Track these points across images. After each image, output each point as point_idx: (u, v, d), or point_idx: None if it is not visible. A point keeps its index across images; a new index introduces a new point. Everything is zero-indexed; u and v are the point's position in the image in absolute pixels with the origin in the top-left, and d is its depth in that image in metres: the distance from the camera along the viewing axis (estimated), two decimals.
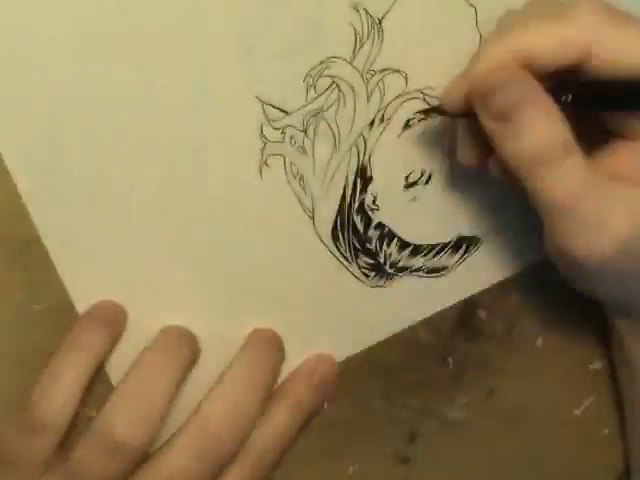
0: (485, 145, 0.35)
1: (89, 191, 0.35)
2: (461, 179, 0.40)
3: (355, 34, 0.36)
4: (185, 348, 0.37)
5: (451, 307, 0.42)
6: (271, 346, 0.39)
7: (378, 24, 0.37)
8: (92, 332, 0.36)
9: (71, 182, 0.34)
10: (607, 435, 0.45)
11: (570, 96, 0.33)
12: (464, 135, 0.36)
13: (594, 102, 0.34)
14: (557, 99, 0.33)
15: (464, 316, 0.42)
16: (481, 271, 0.42)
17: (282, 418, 0.39)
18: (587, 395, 0.44)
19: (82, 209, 0.35)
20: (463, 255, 0.42)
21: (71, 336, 0.35)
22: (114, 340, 0.37)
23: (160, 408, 0.36)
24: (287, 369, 0.40)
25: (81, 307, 0.36)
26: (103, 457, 0.35)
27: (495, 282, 0.42)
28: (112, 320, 0.36)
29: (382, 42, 0.37)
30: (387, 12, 0.37)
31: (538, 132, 0.32)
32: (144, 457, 0.36)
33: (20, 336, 0.36)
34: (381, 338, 0.41)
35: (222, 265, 0.38)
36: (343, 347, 0.41)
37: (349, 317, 0.41)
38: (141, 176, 0.35)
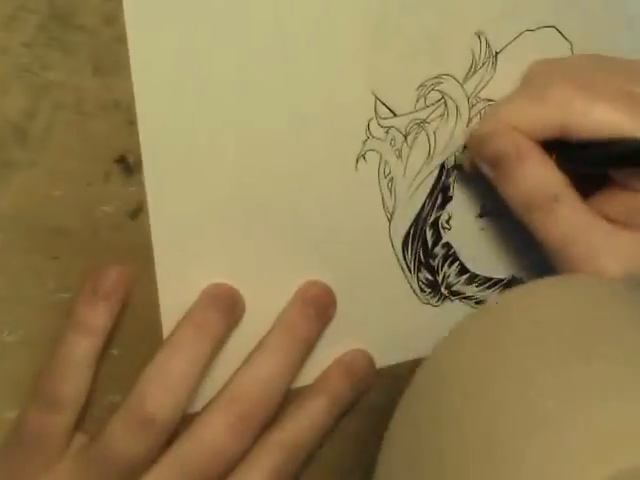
0: None
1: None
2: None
3: (472, 59, 0.39)
4: (224, 315, 0.37)
5: None
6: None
7: (494, 56, 0.39)
8: (94, 310, 0.35)
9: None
10: None
11: (554, 155, 0.36)
12: None
13: (574, 162, 0.36)
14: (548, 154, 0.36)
15: None
16: None
17: (319, 412, 0.39)
18: None
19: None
20: None
21: (75, 315, 0.35)
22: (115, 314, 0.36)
23: (191, 381, 0.35)
24: (325, 360, 0.41)
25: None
26: (134, 430, 0.34)
27: None
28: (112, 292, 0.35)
29: (494, 74, 0.39)
30: (505, 47, 0.39)
31: (530, 180, 0.35)
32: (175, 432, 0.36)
33: (50, 324, 0.35)
34: (417, 356, 0.42)
35: (292, 239, 0.39)
36: (380, 353, 0.42)
37: (393, 326, 0.42)
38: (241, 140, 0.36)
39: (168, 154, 0.35)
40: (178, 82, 0.34)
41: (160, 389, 0.35)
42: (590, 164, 0.36)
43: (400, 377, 0.42)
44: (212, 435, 0.36)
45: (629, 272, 0.34)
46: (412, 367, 0.40)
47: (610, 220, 0.36)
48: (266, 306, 0.39)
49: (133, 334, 0.37)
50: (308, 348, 0.39)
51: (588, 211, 0.35)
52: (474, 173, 0.38)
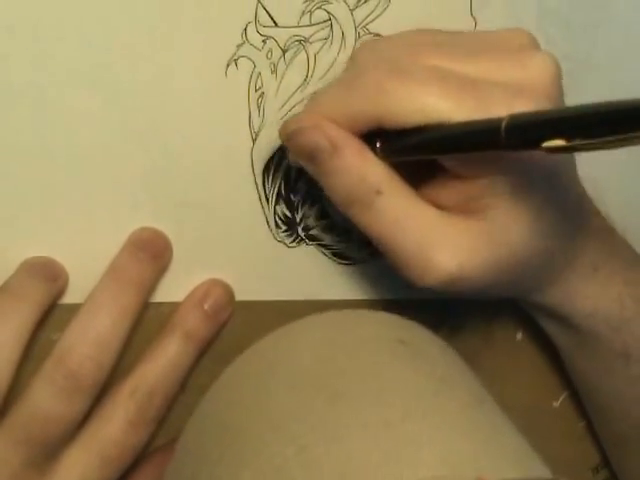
0: None
1: None
2: None
3: None
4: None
5: (432, 300, 0.40)
6: (145, 254, 0.36)
7: None
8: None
9: None
10: (584, 427, 0.45)
11: (378, 143, 0.34)
12: None
13: (398, 151, 0.34)
14: (371, 145, 0.34)
15: (445, 310, 0.42)
16: (385, 278, 0.41)
17: (172, 351, 0.36)
18: (565, 388, 0.44)
19: None
20: (371, 254, 0.41)
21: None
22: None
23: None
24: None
25: None
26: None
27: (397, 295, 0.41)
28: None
29: (387, 7, 0.37)
30: None
31: (348, 174, 0.33)
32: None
33: None
34: (268, 298, 0.39)
35: (147, 141, 0.35)
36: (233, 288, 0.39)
37: (244, 260, 0.38)
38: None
39: None
40: None
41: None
42: (411, 153, 0.34)
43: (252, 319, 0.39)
44: (41, 401, 0.33)
45: (460, 263, 0.33)
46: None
47: (444, 208, 0.34)
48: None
49: None
50: (142, 292, 0.36)
51: (415, 201, 0.34)
52: (299, 167, 0.36)
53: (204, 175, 0.37)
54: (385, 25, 0.37)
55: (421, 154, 0.33)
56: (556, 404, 0.45)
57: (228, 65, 0.36)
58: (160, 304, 0.37)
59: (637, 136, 0.24)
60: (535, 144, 0.27)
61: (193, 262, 0.37)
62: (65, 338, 0.34)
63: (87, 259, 0.35)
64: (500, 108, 0.31)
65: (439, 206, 0.34)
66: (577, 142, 0.26)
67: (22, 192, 0.34)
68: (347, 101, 0.33)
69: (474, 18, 0.39)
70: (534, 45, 0.35)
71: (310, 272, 0.40)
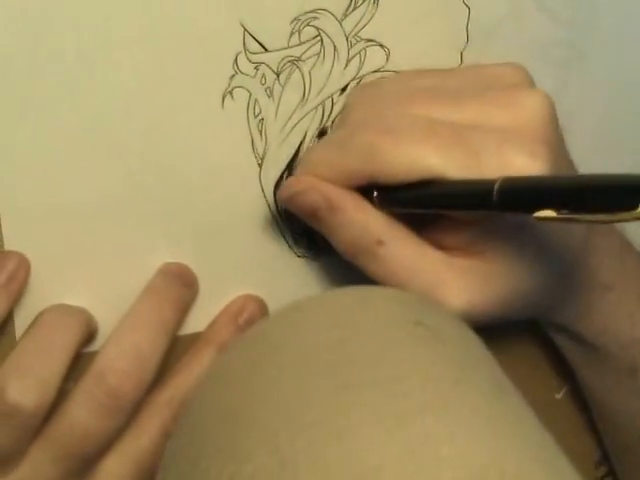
0: None
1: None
2: None
3: None
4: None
5: None
6: (177, 280, 0.37)
7: None
8: None
9: None
10: (586, 420, 0.45)
11: (375, 193, 0.34)
12: None
13: (394, 203, 0.34)
14: (369, 197, 0.34)
15: None
16: None
17: (206, 363, 0.37)
18: (568, 380, 0.45)
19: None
20: None
21: None
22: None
23: (57, 368, 0.33)
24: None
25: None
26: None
27: None
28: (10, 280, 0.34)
29: (375, 12, 0.37)
30: None
31: (348, 229, 0.34)
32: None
33: None
34: None
35: (155, 185, 0.36)
36: None
37: (269, 280, 0.39)
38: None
39: None
40: None
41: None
42: (407, 206, 0.34)
43: None
44: (80, 416, 0.34)
45: (470, 301, 0.33)
46: None
47: (448, 249, 0.34)
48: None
49: None
50: (179, 310, 0.36)
51: (419, 247, 0.34)
52: None
53: (217, 206, 0.37)
54: (376, 30, 0.37)
55: (416, 208, 0.34)
56: (558, 396, 0.45)
57: (224, 98, 0.36)
58: (192, 335, 0.38)
59: (632, 217, 0.24)
60: (526, 211, 0.27)
61: (218, 291, 0.38)
62: (104, 353, 0.34)
63: (110, 304, 0.36)
64: (491, 158, 0.31)
65: (441, 247, 0.34)
66: (569, 215, 0.26)
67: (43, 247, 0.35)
68: (340, 161, 0.34)
69: (467, 5, 0.38)
70: (527, 82, 0.34)
71: (335, 279, 0.40)
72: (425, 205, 0.33)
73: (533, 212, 0.27)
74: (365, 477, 0.24)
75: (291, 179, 0.36)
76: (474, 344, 0.31)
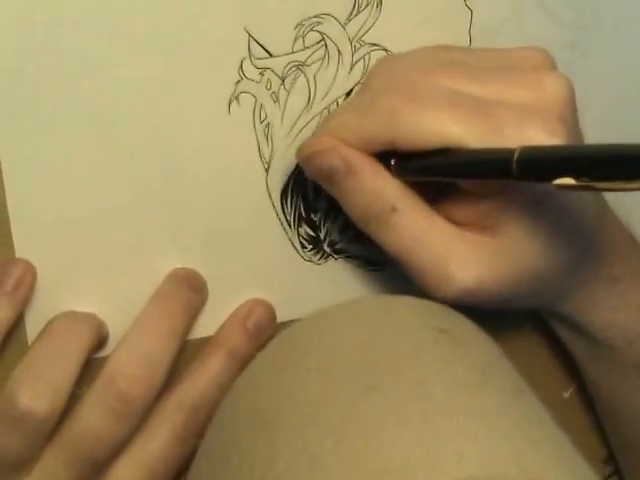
0: None
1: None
2: None
3: None
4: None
5: None
6: (186, 285, 0.37)
7: None
8: None
9: None
10: (593, 419, 0.45)
11: (393, 161, 0.34)
12: None
13: (412, 171, 0.35)
14: (386, 163, 0.34)
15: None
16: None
17: (216, 367, 0.37)
18: (575, 379, 0.45)
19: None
20: None
21: None
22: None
23: (68, 374, 0.34)
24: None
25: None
26: (9, 429, 0.33)
27: None
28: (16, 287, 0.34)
29: (379, 16, 0.37)
30: None
31: (364, 193, 0.34)
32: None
33: None
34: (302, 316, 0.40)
35: (163, 191, 0.36)
36: None
37: (277, 284, 0.39)
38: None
39: None
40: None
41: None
42: (425, 174, 0.34)
43: None
44: (91, 421, 0.34)
45: (478, 276, 0.33)
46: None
47: (459, 224, 0.35)
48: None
49: None
50: (189, 315, 0.37)
51: (431, 217, 0.34)
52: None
53: (224, 211, 0.37)
54: (380, 34, 0.37)
55: (434, 176, 0.34)
56: (566, 395, 0.45)
57: (230, 103, 0.36)
58: (201, 339, 0.38)
59: None
60: (545, 179, 0.28)
61: (227, 295, 0.38)
62: (114, 358, 0.35)
63: (121, 310, 0.36)
64: (512, 132, 0.31)
65: (453, 222, 0.34)
66: (585, 182, 0.26)
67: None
68: (361, 125, 0.34)
69: (469, 7, 0.39)
70: (549, 66, 0.35)
71: (342, 283, 0.41)
72: (443, 173, 0.33)
73: (552, 180, 0.27)
74: (391, 475, 0.24)
75: (311, 138, 0.36)
76: (493, 350, 0.32)
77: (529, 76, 0.33)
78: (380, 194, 0.34)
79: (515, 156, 0.29)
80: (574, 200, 0.34)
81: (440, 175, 0.34)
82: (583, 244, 0.35)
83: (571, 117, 0.33)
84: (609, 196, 0.37)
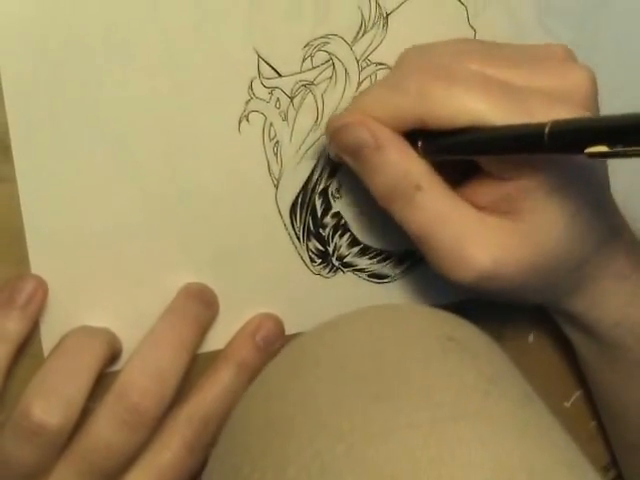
0: None
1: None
2: None
3: (362, 19, 0.37)
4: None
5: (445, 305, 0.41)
6: (198, 300, 0.38)
7: (385, 17, 0.38)
8: (9, 318, 0.34)
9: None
10: (594, 427, 0.46)
11: (420, 142, 0.35)
12: None
13: (439, 150, 0.35)
14: (413, 144, 0.35)
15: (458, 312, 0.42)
16: (422, 289, 0.42)
17: (226, 380, 0.38)
18: (577, 388, 0.45)
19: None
20: (407, 269, 0.42)
21: None
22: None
23: (81, 388, 0.34)
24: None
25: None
26: (23, 441, 0.33)
27: (435, 304, 0.42)
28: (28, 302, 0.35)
29: (384, 36, 0.38)
30: (395, 9, 0.38)
31: (390, 170, 0.35)
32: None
33: None
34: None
35: (175, 207, 0.37)
36: None
37: (286, 298, 0.40)
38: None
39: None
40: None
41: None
42: (453, 152, 0.35)
43: None
44: (103, 433, 0.34)
45: (495, 259, 0.34)
46: None
47: (479, 208, 0.35)
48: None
49: None
50: (200, 328, 0.37)
51: (453, 198, 0.35)
52: (340, 162, 0.37)
53: (235, 227, 0.38)
54: (385, 54, 0.38)
55: (462, 154, 0.35)
56: (567, 404, 0.46)
57: (240, 122, 0.37)
58: (211, 353, 0.39)
59: None
60: (578, 149, 0.28)
61: (237, 309, 0.39)
62: (126, 371, 0.35)
63: (134, 324, 0.37)
64: (539, 114, 0.32)
65: (475, 205, 0.35)
66: (619, 148, 0.27)
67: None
68: (392, 102, 0.35)
69: (473, 27, 0.40)
70: (573, 58, 0.36)
71: (351, 296, 0.41)
72: (471, 150, 0.34)
73: (585, 149, 0.28)
74: (404, 478, 0.25)
75: (342, 112, 0.37)
76: (501, 357, 0.33)
77: (555, 66, 0.35)
78: (406, 171, 0.35)
79: (547, 128, 0.30)
80: (593, 192, 0.35)
81: (468, 153, 0.34)
82: (597, 238, 0.36)
83: (594, 107, 0.34)
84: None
